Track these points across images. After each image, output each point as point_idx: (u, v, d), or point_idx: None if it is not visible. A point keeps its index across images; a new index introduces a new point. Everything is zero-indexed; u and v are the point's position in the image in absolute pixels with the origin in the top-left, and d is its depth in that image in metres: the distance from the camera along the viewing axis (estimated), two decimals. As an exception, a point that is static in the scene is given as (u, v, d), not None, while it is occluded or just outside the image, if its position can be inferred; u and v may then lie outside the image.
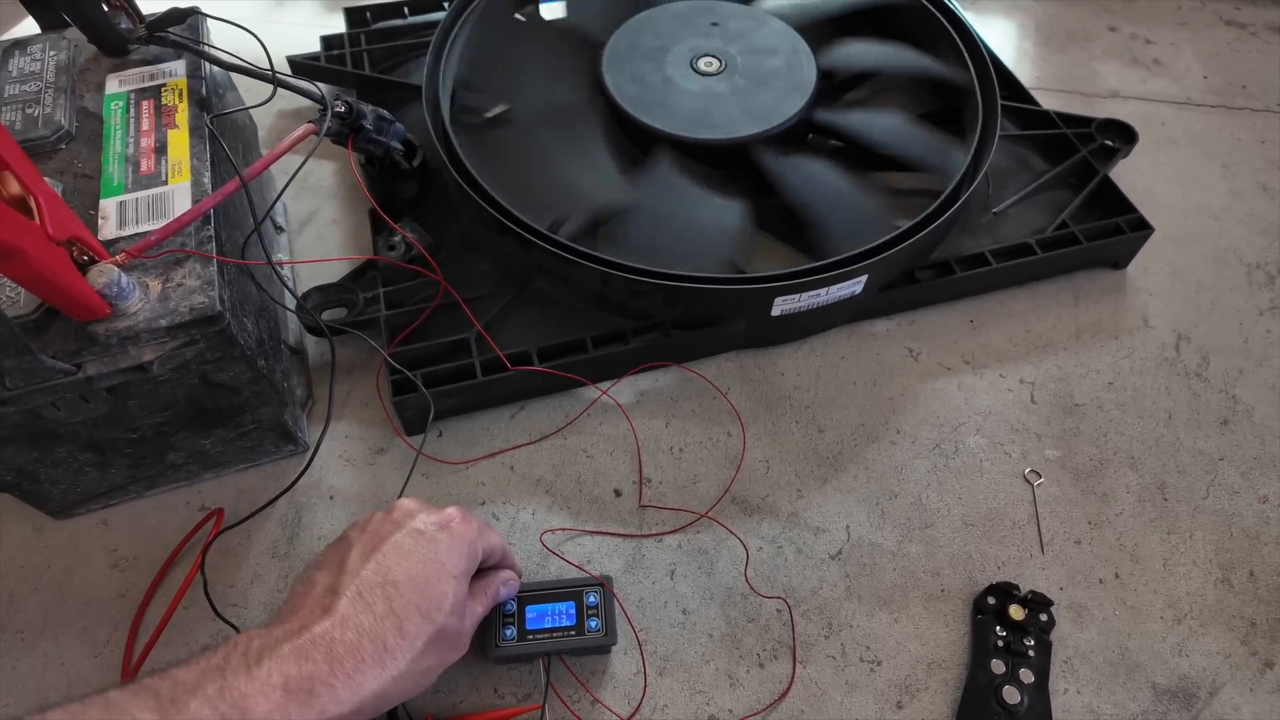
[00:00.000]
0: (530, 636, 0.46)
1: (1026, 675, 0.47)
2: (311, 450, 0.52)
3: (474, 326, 0.57)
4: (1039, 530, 0.54)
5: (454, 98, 0.67)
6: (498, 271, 0.62)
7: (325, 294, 0.59)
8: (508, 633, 0.46)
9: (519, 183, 0.60)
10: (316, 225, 0.70)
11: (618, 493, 0.55)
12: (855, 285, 0.57)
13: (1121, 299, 0.66)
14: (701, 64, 0.68)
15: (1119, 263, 0.68)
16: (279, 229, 0.67)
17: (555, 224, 0.59)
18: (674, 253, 0.56)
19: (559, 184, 0.62)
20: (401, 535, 0.39)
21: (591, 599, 0.47)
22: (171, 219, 0.45)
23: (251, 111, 0.68)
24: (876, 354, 0.62)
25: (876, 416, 0.59)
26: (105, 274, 0.41)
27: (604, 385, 0.60)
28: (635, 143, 0.66)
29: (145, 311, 0.42)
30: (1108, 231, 0.65)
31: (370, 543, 0.39)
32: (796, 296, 0.56)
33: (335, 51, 0.76)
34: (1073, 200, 0.67)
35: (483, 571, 0.44)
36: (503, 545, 0.45)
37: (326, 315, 0.58)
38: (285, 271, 0.63)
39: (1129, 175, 0.72)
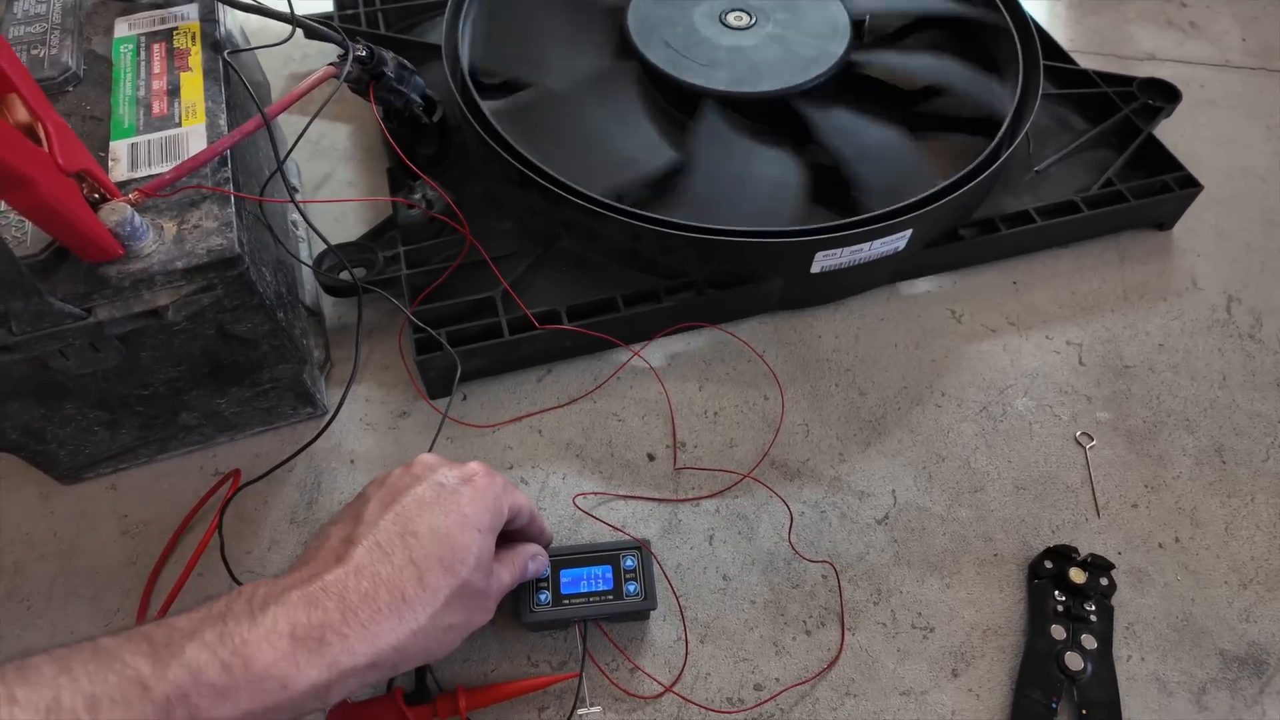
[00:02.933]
0: (565, 601, 0.43)
1: (1089, 641, 0.45)
2: (334, 409, 0.49)
3: (500, 284, 0.55)
4: (1093, 493, 0.52)
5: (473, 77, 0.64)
6: (520, 231, 0.59)
7: (345, 252, 0.56)
8: (541, 597, 0.43)
9: (562, 161, 0.56)
10: (332, 187, 0.67)
11: (651, 457, 0.53)
12: (899, 240, 0.54)
13: (1168, 260, 0.64)
14: (731, 18, 0.65)
15: (1164, 224, 0.65)
16: (294, 189, 0.64)
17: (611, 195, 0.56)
18: (739, 209, 0.54)
19: (602, 156, 0.59)
20: (422, 488, 0.37)
21: (629, 562, 0.44)
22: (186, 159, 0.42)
23: (266, 72, 0.65)
24: (917, 316, 0.60)
25: (920, 379, 0.57)
26: (118, 212, 0.38)
27: (635, 346, 0.57)
28: (675, 104, 0.63)
29: (160, 253, 0.40)
30: (1155, 189, 0.62)
31: (389, 495, 0.36)
32: (839, 251, 0.53)
33: (349, 11, 0.73)
34: (1115, 160, 0.65)
35: (511, 540, 0.42)
36: (530, 506, 0.42)
37: (345, 277, 0.55)
38: (300, 234, 0.61)
39: (1169, 137, 0.69)
